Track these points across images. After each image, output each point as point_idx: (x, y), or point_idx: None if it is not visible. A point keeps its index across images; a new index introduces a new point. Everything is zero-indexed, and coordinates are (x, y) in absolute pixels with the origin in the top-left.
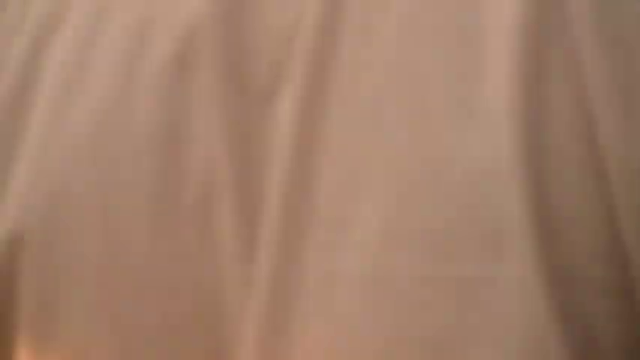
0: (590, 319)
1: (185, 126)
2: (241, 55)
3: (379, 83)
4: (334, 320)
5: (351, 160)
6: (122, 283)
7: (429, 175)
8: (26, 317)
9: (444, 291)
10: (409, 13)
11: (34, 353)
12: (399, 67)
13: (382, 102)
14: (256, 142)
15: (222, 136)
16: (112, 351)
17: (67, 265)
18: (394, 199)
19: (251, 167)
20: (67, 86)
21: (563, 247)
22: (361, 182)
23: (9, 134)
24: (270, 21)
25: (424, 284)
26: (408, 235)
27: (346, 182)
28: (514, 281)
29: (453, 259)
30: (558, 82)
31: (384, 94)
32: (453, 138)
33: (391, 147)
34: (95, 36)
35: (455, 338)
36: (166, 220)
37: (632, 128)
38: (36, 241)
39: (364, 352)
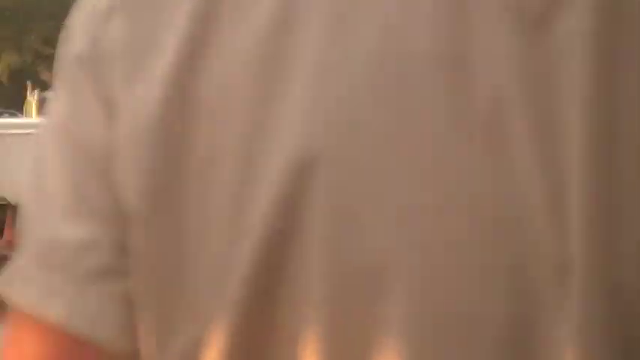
0: None
1: (468, 51)
2: None
3: None
4: None
5: None
6: (422, 201)
7: None
8: (320, 234)
9: None
10: None
11: (332, 266)
12: None
13: None
14: (543, 60)
15: (508, 55)
16: (412, 266)
17: (365, 185)
18: None
19: (539, 84)
20: (340, 17)
21: None
22: None
23: (271, 67)
24: None
25: None
26: None
27: None
28: None
29: None
30: None
31: None
32: None
33: None
34: None
35: None
36: (458, 138)
37: None
38: (328, 166)
39: None
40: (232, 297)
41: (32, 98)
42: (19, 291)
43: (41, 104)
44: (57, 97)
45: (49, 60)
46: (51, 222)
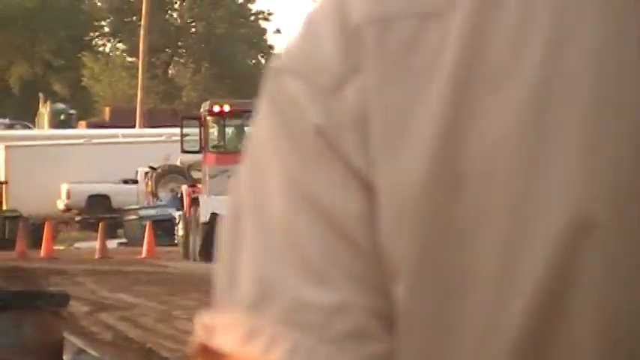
0: None
1: None
2: None
3: None
4: None
5: None
6: None
7: None
8: (593, 298)
9: None
10: None
11: (605, 330)
12: None
13: None
14: None
15: None
16: None
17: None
18: None
19: None
20: (603, 88)
21: None
22: None
23: (536, 135)
24: None
25: None
26: None
27: None
28: None
29: None
30: None
31: None
32: None
33: None
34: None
35: None
36: None
37: None
38: (605, 229)
39: None
40: (500, 358)
41: (44, 110)
42: (262, 348)
43: (53, 116)
44: (284, 160)
45: (60, 71)
46: (297, 283)
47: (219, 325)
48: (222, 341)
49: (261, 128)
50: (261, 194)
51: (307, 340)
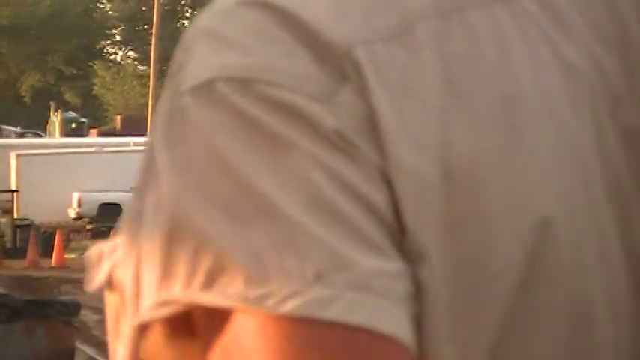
0: None
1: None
2: None
3: None
4: None
5: None
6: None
7: None
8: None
9: None
10: None
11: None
12: None
13: None
14: None
15: None
16: (608, 294)
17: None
18: None
19: None
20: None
21: None
22: None
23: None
24: None
25: None
26: None
27: None
28: None
29: None
30: None
31: None
32: None
33: None
34: None
35: None
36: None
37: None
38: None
39: None
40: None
41: (55, 118)
42: (343, 310)
43: (64, 124)
44: (312, 156)
45: (71, 80)
46: (360, 255)
47: (270, 293)
48: (288, 308)
49: (242, 131)
50: (290, 177)
51: (384, 302)
